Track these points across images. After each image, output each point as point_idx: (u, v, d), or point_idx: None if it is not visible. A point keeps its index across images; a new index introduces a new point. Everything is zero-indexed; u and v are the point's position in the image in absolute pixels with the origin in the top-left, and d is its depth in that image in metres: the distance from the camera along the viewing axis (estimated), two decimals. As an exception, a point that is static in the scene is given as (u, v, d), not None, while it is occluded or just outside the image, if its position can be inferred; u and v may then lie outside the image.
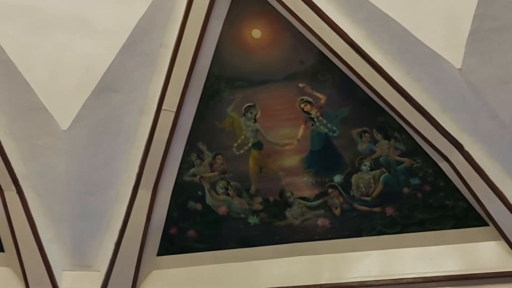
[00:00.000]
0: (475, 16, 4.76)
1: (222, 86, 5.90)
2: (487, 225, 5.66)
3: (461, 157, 5.39)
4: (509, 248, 5.56)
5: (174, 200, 6.33)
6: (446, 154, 5.46)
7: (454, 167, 5.47)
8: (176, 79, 5.79)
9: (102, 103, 5.71)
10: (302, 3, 5.25)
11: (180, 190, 6.29)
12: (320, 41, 5.39)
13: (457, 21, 4.88)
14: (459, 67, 4.98)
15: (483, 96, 5.11)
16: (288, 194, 6.12)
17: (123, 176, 6.13)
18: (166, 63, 5.77)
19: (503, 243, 5.60)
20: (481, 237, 5.71)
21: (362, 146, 5.81)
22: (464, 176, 5.45)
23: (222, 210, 6.30)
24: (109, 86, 5.65)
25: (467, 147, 5.37)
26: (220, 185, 6.23)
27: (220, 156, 6.13)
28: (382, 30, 5.20)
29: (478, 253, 5.71)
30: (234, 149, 6.08)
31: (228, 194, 6.24)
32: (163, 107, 5.88)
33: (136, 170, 6.09)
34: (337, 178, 5.95)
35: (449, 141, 5.37)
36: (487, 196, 5.41)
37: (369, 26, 5.24)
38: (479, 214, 5.66)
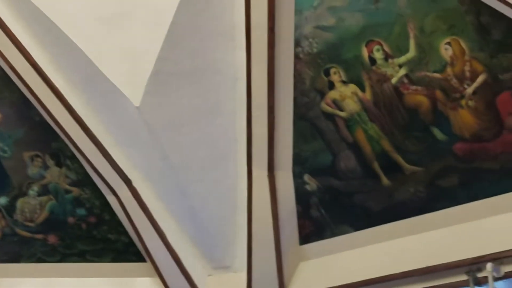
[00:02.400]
0: (158, 58, 4.94)
1: None
2: (145, 261, 5.82)
3: (128, 192, 5.51)
4: (163, 286, 5.75)
5: None
6: (114, 188, 5.55)
7: (121, 201, 5.57)
8: None
9: None
10: (-11, 15, 5.06)
11: None
12: (1, 57, 5.21)
13: (141, 60, 5.01)
14: (138, 105, 5.10)
15: (157, 136, 5.28)
16: None
17: None
18: None
19: (157, 280, 5.77)
20: (139, 272, 5.86)
21: (33, 171, 5.68)
22: (129, 211, 5.57)
23: None
24: None
25: (135, 184, 5.51)
26: None
27: None
28: (67, 56, 5.17)
29: (135, 288, 5.86)
30: None
31: None
32: None
33: None
34: (2, 200, 5.75)
35: (119, 175, 5.47)
36: (148, 233, 5.57)
37: (55, 51, 5.19)
38: (138, 250, 5.80)
